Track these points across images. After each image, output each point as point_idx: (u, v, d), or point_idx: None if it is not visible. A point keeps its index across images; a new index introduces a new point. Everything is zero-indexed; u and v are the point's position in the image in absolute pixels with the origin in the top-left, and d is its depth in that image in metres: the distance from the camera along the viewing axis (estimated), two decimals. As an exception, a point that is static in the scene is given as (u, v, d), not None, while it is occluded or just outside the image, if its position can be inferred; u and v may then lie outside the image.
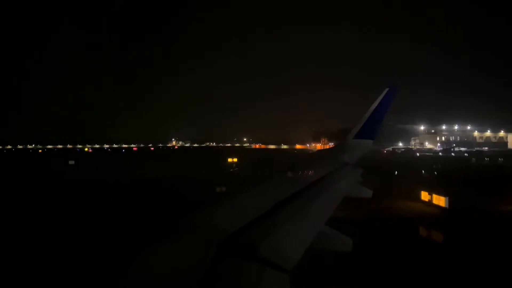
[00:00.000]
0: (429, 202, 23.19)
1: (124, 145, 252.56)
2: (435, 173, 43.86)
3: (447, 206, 21.64)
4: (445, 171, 45.29)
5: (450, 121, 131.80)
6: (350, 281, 10.78)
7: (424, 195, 24.04)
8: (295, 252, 2.04)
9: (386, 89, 5.73)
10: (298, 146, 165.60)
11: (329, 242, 2.96)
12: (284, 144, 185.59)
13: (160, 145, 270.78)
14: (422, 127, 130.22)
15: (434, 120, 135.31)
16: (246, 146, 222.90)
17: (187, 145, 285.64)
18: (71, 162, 61.10)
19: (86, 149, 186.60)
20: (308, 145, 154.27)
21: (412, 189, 26.62)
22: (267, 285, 1.58)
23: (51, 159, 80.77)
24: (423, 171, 44.77)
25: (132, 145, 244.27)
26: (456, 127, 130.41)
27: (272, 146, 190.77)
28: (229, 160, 65.58)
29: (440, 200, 22.22)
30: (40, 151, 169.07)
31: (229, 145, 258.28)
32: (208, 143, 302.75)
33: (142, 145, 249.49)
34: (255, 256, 1.69)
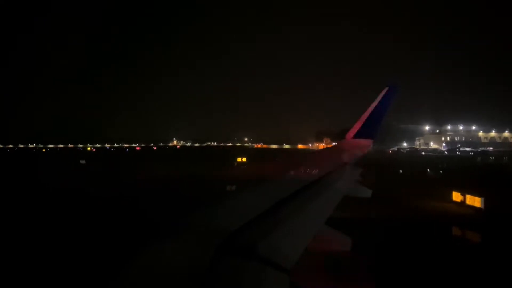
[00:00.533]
0: (462, 203, 22.74)
1: (125, 145, 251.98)
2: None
3: (482, 207, 21.19)
4: (460, 170, 44.91)
5: (455, 121, 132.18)
6: (351, 280, 10.49)
7: (456, 196, 23.55)
8: (295, 251, 2.05)
9: (386, 89, 5.63)
10: (300, 146, 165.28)
11: (328, 241, 3.00)
12: (286, 144, 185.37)
13: (162, 144, 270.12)
14: (427, 127, 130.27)
15: (439, 120, 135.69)
16: (247, 146, 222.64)
17: (188, 144, 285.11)
18: (82, 162, 60.53)
19: (88, 148, 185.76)
20: (310, 144, 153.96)
21: (439, 189, 26.24)
22: (266, 284, 1.58)
23: (62, 159, 79.85)
24: (438, 171, 44.43)
25: (134, 145, 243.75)
26: (461, 127, 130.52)
27: (274, 146, 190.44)
28: (239, 159, 65.25)
29: (475, 201, 21.75)
30: (44, 150, 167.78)
31: (230, 144, 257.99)
32: (209, 143, 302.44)
33: (143, 145, 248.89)
34: (255, 256, 1.69)
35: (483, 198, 21.32)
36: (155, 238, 1.54)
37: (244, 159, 64.39)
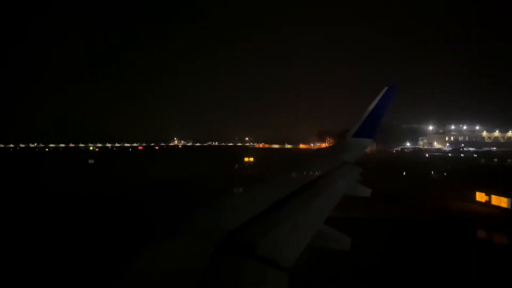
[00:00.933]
0: (486, 203, 22.66)
1: (126, 144, 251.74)
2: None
3: (510, 207, 21.10)
4: (471, 170, 44.77)
5: (458, 121, 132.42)
6: (349, 280, 10.48)
7: (480, 196, 23.48)
8: (294, 250, 2.06)
9: (385, 88, 5.73)
10: (302, 146, 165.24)
11: (327, 241, 3.02)
12: (288, 144, 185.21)
13: (163, 144, 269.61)
14: (430, 127, 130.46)
15: (442, 120, 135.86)
16: (248, 145, 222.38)
17: (189, 144, 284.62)
18: (91, 161, 60.24)
19: (91, 148, 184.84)
20: (312, 144, 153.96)
21: (459, 190, 26.19)
22: (265, 283, 1.58)
23: (70, 158, 79.18)
24: (450, 171, 44.29)
25: (135, 144, 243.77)
26: (464, 127, 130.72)
27: (275, 146, 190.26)
28: (246, 159, 65.49)
29: (501, 201, 21.67)
30: (47, 150, 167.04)
31: (231, 144, 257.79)
32: (210, 143, 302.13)
33: (144, 144, 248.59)
34: (254, 255, 1.69)
35: (510, 199, 21.24)
36: (155, 238, 1.54)
37: (252, 159, 64.56)
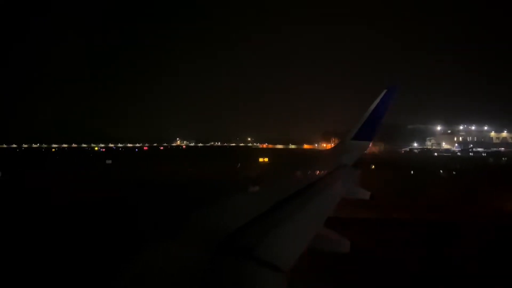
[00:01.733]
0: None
1: (129, 145, 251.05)
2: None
3: None
4: (499, 171, 44.24)
5: (466, 121, 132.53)
6: (350, 282, 10.05)
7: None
8: (293, 252, 2.09)
9: (385, 90, 5.66)
10: (306, 146, 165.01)
11: (327, 243, 3.06)
12: (292, 144, 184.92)
13: (166, 144, 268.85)
14: (438, 127, 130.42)
15: (449, 120, 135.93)
16: (251, 145, 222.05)
17: (192, 144, 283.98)
18: (109, 162, 59.33)
19: (96, 148, 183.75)
20: (316, 145, 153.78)
21: (499, 190, 25.64)
22: (265, 284, 1.59)
23: (88, 159, 77.93)
24: (478, 171, 43.74)
25: (137, 145, 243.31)
26: (473, 127, 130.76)
27: (279, 146, 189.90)
28: (260, 159, 65.10)
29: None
30: (53, 150, 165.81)
31: (233, 144, 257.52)
32: (212, 143, 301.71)
33: (147, 145, 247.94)
34: (253, 257, 1.69)
35: None
36: (156, 238, 1.54)
37: (266, 159, 64.11)
